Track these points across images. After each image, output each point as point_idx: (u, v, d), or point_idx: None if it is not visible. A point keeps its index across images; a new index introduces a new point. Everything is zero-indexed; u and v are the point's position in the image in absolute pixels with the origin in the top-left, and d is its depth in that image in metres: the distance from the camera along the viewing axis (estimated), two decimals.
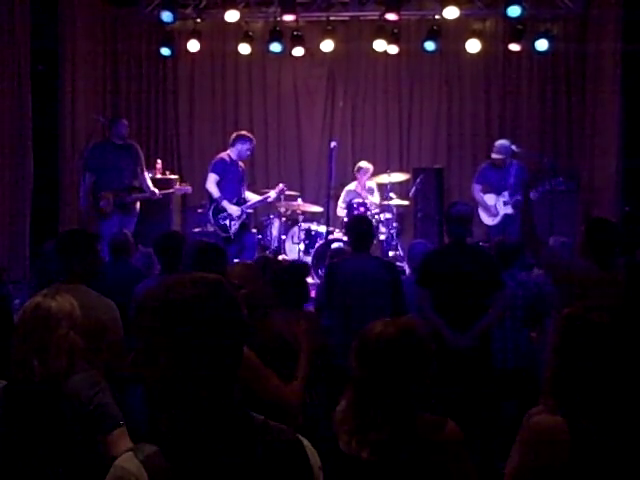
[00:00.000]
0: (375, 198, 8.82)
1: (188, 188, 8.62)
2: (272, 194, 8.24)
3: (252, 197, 8.23)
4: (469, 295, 4.41)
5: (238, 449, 1.47)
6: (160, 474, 1.42)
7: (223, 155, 8.00)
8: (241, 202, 8.02)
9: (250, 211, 8.22)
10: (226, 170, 7.91)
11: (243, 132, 8.22)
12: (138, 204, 7.94)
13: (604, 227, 4.25)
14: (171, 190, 8.54)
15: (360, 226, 5.06)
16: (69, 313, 2.64)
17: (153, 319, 1.47)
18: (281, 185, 8.35)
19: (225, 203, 7.87)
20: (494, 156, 8.00)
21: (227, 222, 7.93)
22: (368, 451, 2.19)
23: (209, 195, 7.96)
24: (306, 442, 1.59)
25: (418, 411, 2.23)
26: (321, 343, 3.75)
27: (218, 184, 7.89)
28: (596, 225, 4.31)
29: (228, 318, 1.49)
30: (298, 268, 4.04)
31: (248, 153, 8.06)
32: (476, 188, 8.16)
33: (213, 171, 7.91)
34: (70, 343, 2.60)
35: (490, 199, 8.05)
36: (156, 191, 8.02)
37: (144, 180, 7.99)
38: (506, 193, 7.86)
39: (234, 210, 7.90)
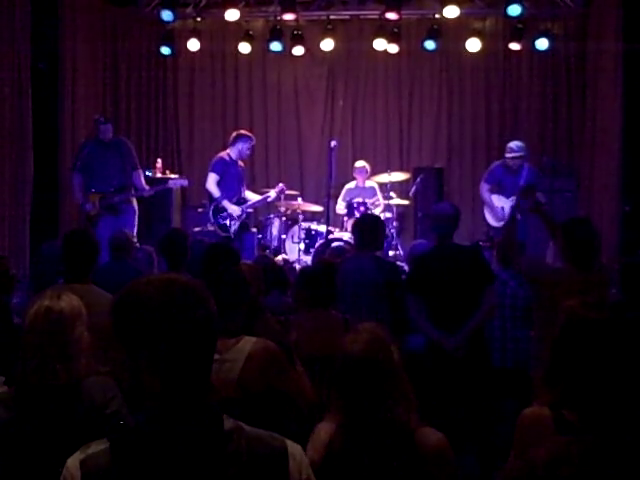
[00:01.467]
0: (377, 198, 8.79)
1: (184, 181, 8.22)
2: (272, 194, 8.24)
3: (252, 197, 8.23)
4: (460, 295, 4.35)
5: (191, 453, 1.43)
6: (95, 473, 1.43)
7: (223, 154, 8.00)
8: (241, 201, 8.03)
9: (250, 210, 8.23)
10: (226, 169, 7.91)
11: (243, 131, 8.22)
12: (135, 203, 7.72)
13: (581, 227, 4.19)
14: (162, 186, 8.08)
15: (363, 226, 5.01)
16: (79, 313, 2.62)
17: (112, 320, 1.49)
18: (281, 185, 8.34)
19: (225, 202, 7.88)
20: (509, 156, 7.72)
21: (227, 222, 7.94)
22: (359, 456, 2.21)
23: (209, 195, 7.96)
24: (293, 450, 1.53)
25: (405, 421, 2.24)
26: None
27: (218, 184, 7.89)
28: (573, 225, 4.25)
29: (185, 318, 1.45)
30: (329, 267, 3.98)
31: (248, 152, 8.06)
32: (484, 187, 7.96)
33: (213, 171, 7.91)
34: (86, 343, 2.58)
35: (498, 200, 7.85)
36: (146, 187, 7.74)
37: (137, 178, 7.71)
38: (515, 198, 7.66)
39: (234, 210, 7.91)
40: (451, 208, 4.75)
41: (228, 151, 7.98)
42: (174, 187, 8.34)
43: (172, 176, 9.06)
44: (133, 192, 7.70)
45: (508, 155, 7.77)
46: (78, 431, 2.45)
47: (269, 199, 8.31)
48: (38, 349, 2.51)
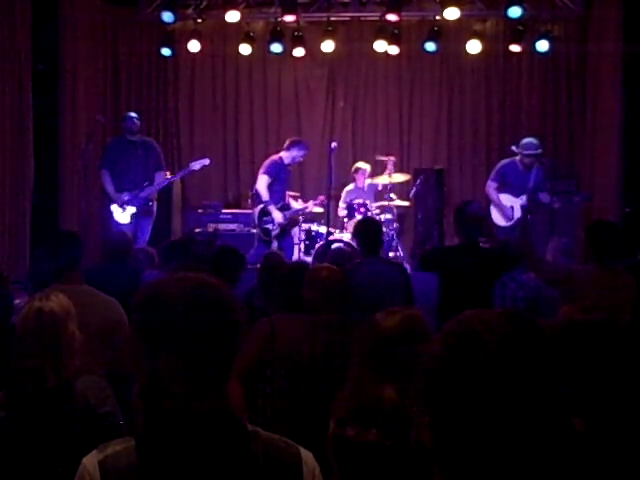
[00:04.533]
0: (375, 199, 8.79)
1: (205, 160, 7.98)
2: (310, 206, 8.25)
3: (293, 204, 8.32)
4: (471, 296, 4.36)
5: (211, 456, 1.42)
6: (115, 474, 1.41)
7: (276, 158, 8.06)
8: (285, 207, 8.11)
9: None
10: (278, 173, 7.98)
11: (299, 138, 8.32)
12: (155, 208, 7.82)
13: (605, 229, 4.24)
14: (184, 170, 8.14)
15: (369, 229, 5.05)
16: (70, 312, 2.62)
17: (133, 316, 1.48)
18: (321, 197, 8.26)
19: (272, 207, 7.94)
20: (527, 152, 7.42)
21: (270, 226, 8.00)
22: (374, 434, 2.20)
23: (257, 195, 7.98)
24: (306, 457, 1.53)
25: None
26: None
27: (269, 186, 7.92)
28: (597, 227, 4.29)
29: (209, 320, 1.44)
30: (301, 269, 3.93)
31: (301, 159, 8.16)
32: (491, 186, 7.70)
33: (266, 173, 7.95)
34: (79, 342, 2.58)
35: (507, 200, 7.61)
36: (167, 174, 7.90)
37: (159, 177, 7.86)
38: (524, 197, 7.45)
39: (278, 216, 7.98)
40: (481, 208, 4.89)
41: (281, 155, 8.03)
42: (197, 168, 8.00)
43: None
44: (156, 185, 7.75)
45: (526, 152, 7.46)
46: (71, 430, 2.45)
47: (307, 209, 8.32)
48: (30, 351, 2.50)
